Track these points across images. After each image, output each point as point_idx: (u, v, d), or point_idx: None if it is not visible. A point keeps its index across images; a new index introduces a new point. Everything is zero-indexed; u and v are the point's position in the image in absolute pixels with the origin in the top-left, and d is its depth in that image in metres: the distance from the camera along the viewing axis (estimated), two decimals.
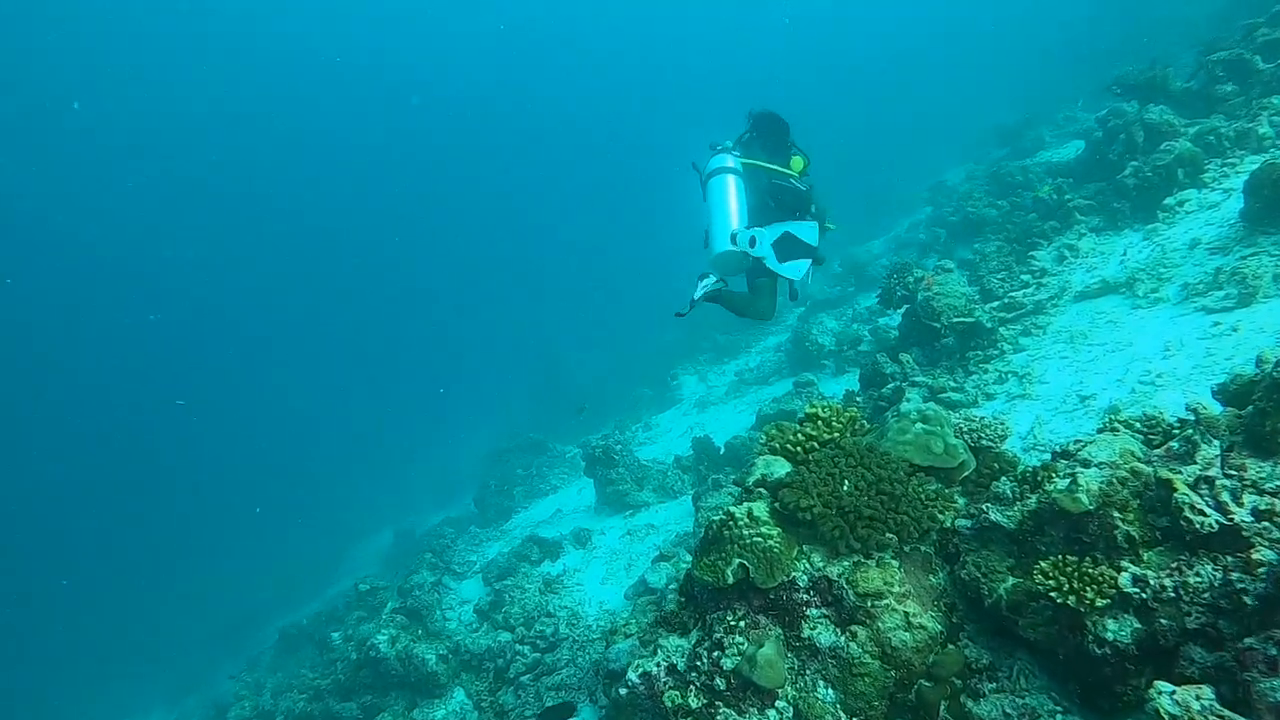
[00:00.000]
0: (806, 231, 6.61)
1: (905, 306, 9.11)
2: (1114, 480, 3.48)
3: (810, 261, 6.60)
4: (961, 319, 8.33)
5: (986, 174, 16.58)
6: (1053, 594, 3.29)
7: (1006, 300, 8.79)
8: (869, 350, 12.69)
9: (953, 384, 8.02)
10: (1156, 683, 2.52)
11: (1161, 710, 2.41)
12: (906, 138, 31.05)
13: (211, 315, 53.83)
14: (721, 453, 11.62)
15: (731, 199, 6.56)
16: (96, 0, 39.59)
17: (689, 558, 9.04)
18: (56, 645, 27.72)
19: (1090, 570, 3.29)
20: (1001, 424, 4.41)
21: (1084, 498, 3.42)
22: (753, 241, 6.36)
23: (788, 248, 6.64)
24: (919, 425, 4.20)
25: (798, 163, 6.88)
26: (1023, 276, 9.19)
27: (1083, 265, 8.99)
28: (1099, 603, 3.20)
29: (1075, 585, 3.27)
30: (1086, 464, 3.70)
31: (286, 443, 41.46)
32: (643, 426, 17.40)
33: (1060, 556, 3.40)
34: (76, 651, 26.63)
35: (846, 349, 13.29)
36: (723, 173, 6.66)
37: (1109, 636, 3.21)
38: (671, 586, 7.53)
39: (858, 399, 8.71)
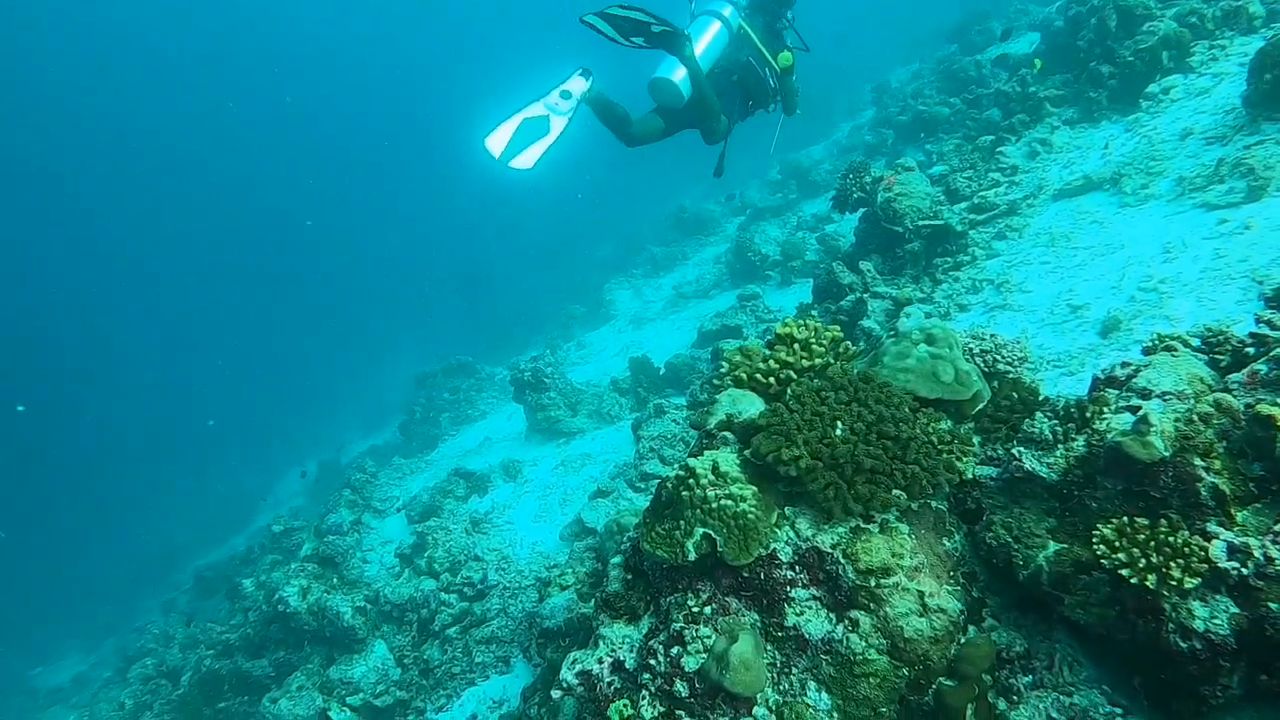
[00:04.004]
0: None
1: (862, 209, 8.22)
2: (1194, 417, 2.66)
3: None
4: (928, 221, 7.47)
5: (935, 71, 15.67)
6: (1123, 571, 2.47)
7: (976, 200, 7.93)
8: (817, 260, 11.85)
9: (920, 294, 7.20)
10: None
11: None
12: (844, 39, 29.77)
13: (134, 254, 51.70)
14: (661, 373, 10.73)
15: (703, 44, 5.96)
16: None
17: (629, 493, 8.21)
18: None
19: (1170, 538, 2.47)
20: (1020, 344, 3.56)
21: (1158, 441, 2.59)
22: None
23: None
24: (923, 347, 3.31)
25: (786, 58, 6.42)
26: (992, 175, 8.33)
27: (1059, 161, 8.15)
28: (1188, 582, 2.39)
29: (1154, 559, 2.45)
30: (1146, 394, 2.87)
31: (212, 376, 39.94)
32: (575, 345, 16.36)
33: (1126, 519, 2.58)
34: None
35: (793, 260, 12.41)
36: (713, 16, 6.09)
37: (1198, 626, 2.41)
38: (617, 541, 6.69)
39: (813, 312, 7.86)
